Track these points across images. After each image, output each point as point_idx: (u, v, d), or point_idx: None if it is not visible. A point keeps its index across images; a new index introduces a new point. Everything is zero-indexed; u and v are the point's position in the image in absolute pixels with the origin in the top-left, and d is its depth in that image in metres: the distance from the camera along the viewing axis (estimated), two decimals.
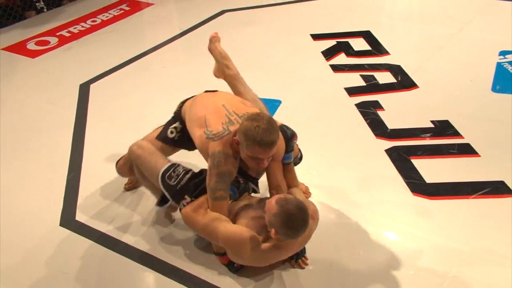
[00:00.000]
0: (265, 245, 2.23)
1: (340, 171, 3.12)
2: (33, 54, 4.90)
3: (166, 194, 2.48)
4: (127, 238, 2.70)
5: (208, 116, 2.42)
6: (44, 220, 2.86)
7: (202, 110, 2.48)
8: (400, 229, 2.69)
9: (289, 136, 2.45)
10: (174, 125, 2.75)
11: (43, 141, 3.60)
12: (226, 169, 2.28)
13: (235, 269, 2.42)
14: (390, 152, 3.23)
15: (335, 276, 2.43)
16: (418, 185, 2.95)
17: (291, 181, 2.55)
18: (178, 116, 2.75)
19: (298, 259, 2.46)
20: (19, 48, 5.03)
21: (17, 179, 3.23)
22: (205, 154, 2.36)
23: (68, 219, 2.86)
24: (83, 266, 2.56)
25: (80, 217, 2.87)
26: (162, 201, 2.68)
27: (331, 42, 4.68)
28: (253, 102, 2.69)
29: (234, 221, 2.35)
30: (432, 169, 3.06)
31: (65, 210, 2.93)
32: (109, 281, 2.48)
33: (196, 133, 2.42)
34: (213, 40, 2.99)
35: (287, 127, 2.50)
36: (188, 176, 2.45)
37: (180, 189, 2.42)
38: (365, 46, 4.58)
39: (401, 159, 3.16)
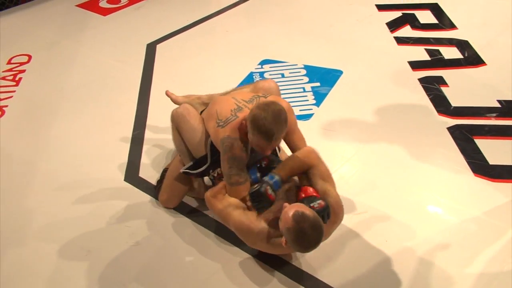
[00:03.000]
0: (274, 240, 2.11)
1: (399, 146, 2.97)
2: (105, 12, 4.90)
3: (208, 157, 2.39)
4: (186, 198, 2.67)
5: (218, 109, 2.35)
6: (109, 174, 2.88)
7: (214, 106, 2.40)
8: (460, 210, 2.53)
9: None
10: None
11: (111, 97, 3.62)
12: (235, 153, 2.21)
13: None
14: (452, 130, 3.04)
15: (390, 252, 2.33)
16: (480, 166, 2.77)
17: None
18: None
19: None
20: (92, 6, 5.04)
21: (86, 132, 3.27)
22: (218, 144, 2.29)
23: (132, 175, 2.87)
24: (144, 222, 2.57)
25: (143, 173, 2.87)
26: (190, 167, 2.51)
27: (397, 14, 4.44)
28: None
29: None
30: (496, 151, 2.86)
31: (129, 166, 2.94)
32: (168, 238, 2.48)
33: (210, 126, 2.35)
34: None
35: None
36: None
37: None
38: (432, 19, 4.31)
39: (464, 138, 2.97)
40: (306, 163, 2.25)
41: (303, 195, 2.14)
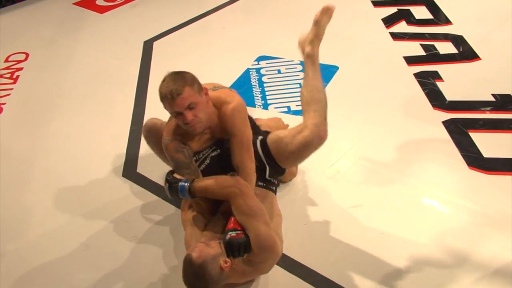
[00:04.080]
0: None
1: (395, 140, 2.98)
2: (102, 9, 4.91)
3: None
4: None
5: None
6: (107, 170, 2.90)
7: None
8: (454, 202, 2.55)
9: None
10: None
11: (108, 94, 3.63)
12: (171, 155, 2.16)
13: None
14: (447, 124, 3.06)
15: (386, 243, 2.35)
16: (474, 159, 2.79)
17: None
18: None
19: None
20: (88, 4, 5.04)
21: (84, 129, 3.28)
22: None
23: (130, 171, 2.89)
24: (142, 216, 2.59)
25: (141, 169, 2.89)
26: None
27: (392, 9, 4.44)
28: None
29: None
30: (490, 144, 2.88)
31: (127, 161, 2.96)
32: (166, 232, 2.49)
33: None
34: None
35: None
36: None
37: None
38: (427, 15, 4.32)
39: (459, 132, 2.99)
40: (224, 195, 2.11)
41: (227, 227, 2.06)
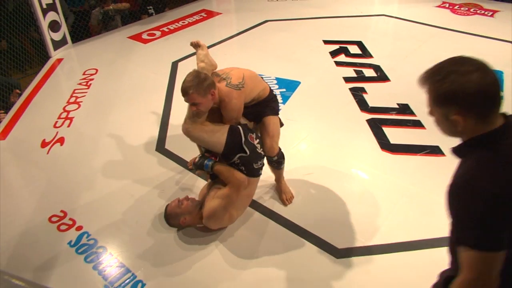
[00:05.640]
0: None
1: (334, 132, 2.96)
2: (145, 41, 4.76)
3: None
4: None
5: None
6: (145, 146, 2.83)
7: None
8: (371, 171, 2.55)
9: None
10: None
11: (146, 96, 3.53)
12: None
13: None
14: (369, 121, 3.04)
15: (328, 197, 2.34)
16: (385, 144, 2.78)
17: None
18: None
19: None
20: (137, 37, 4.88)
21: (129, 119, 3.19)
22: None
23: (161, 147, 2.82)
24: (168, 177, 2.54)
25: (168, 146, 2.82)
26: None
27: (336, 46, 4.37)
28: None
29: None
30: (395, 135, 2.87)
31: (159, 141, 2.88)
32: (184, 188, 2.44)
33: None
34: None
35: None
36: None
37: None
38: (358, 51, 4.26)
39: (376, 127, 2.97)
40: (227, 182, 1.95)
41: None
